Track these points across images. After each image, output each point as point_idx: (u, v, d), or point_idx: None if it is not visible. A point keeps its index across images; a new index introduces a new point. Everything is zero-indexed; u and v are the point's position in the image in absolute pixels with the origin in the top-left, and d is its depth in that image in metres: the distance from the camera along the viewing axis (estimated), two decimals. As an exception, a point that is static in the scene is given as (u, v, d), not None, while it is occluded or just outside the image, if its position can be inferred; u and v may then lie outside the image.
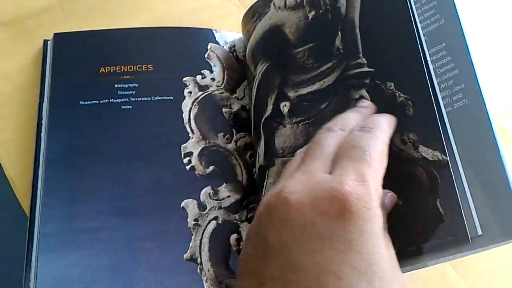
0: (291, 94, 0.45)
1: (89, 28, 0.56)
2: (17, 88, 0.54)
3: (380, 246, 0.30)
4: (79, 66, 0.52)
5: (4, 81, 0.54)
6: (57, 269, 0.43)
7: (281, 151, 0.45)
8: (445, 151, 0.35)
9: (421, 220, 0.35)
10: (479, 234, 0.33)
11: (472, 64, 0.35)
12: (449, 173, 0.35)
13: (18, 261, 0.44)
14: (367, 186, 0.32)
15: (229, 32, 0.55)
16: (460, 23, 0.37)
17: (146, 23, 0.58)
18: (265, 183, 0.45)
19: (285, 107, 0.45)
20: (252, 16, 0.51)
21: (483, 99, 0.35)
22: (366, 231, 0.30)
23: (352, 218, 0.30)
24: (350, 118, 0.38)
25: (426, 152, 0.36)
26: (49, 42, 0.54)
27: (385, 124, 0.36)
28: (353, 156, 0.33)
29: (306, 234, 0.30)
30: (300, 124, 0.44)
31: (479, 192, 0.34)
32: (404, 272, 0.35)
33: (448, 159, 0.35)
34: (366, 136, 0.35)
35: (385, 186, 0.35)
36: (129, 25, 0.57)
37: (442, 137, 0.36)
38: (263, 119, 0.47)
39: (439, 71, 0.37)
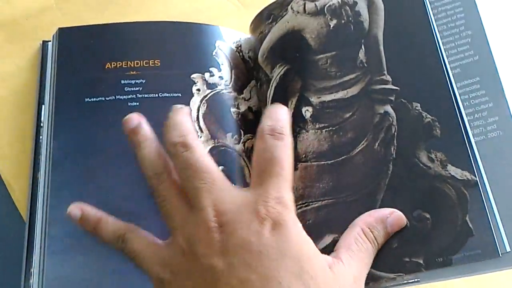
0: (314, 99, 0.45)
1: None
2: (12, 90, 0.53)
3: (305, 249, 0.36)
4: (84, 61, 0.51)
5: (0, 83, 0.53)
6: (65, 271, 0.43)
7: (304, 155, 0.45)
8: (474, 171, 0.37)
9: (451, 233, 0.37)
10: (507, 250, 0.36)
11: (506, 100, 0.38)
12: (479, 192, 0.37)
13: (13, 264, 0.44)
14: (285, 201, 0.36)
15: (234, 31, 0.54)
16: (493, 60, 0.40)
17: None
18: None
19: (307, 111, 0.45)
20: (267, 17, 0.51)
21: None
22: (292, 240, 0.35)
23: (279, 233, 0.35)
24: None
25: (454, 171, 0.38)
26: (49, 42, 0.53)
27: (289, 125, 0.39)
28: (270, 172, 0.37)
29: (246, 252, 0.34)
30: (323, 130, 0.44)
31: (507, 213, 0.37)
32: (431, 282, 0.39)
33: (477, 180, 0.37)
34: (279, 145, 0.38)
35: (413, 199, 0.38)
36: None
37: (471, 158, 0.38)
38: None
39: (473, 101, 0.39)
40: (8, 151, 0.50)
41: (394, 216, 0.39)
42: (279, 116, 0.39)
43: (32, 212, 0.46)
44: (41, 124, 0.48)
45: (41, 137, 0.48)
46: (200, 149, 0.38)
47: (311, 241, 0.37)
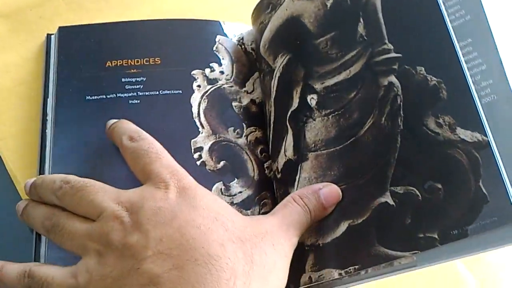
0: (318, 86, 0.45)
1: (92, 20, 0.55)
2: (17, 81, 0.53)
3: (218, 201, 0.40)
4: (84, 60, 0.51)
5: (4, 74, 0.53)
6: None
7: (313, 145, 0.44)
8: (485, 131, 0.35)
9: (464, 202, 0.35)
10: None
11: (500, 59, 0.35)
12: (491, 153, 0.34)
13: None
14: (179, 171, 0.40)
15: (236, 24, 0.54)
16: (486, 18, 0.37)
17: (150, 15, 0.57)
18: (297, 178, 0.44)
19: (312, 99, 0.45)
20: (266, 7, 0.51)
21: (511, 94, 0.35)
22: (202, 196, 0.39)
23: (186, 193, 0.38)
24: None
25: (464, 134, 0.36)
26: (52, 36, 0.53)
27: (134, 126, 0.45)
28: (150, 160, 0.41)
29: (158, 215, 0.36)
30: (330, 116, 0.44)
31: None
32: (447, 261, 0.37)
33: (489, 140, 0.35)
34: (143, 143, 0.42)
35: (422, 171, 0.37)
36: (133, 16, 0.56)
37: (480, 118, 0.35)
38: (289, 113, 0.46)
39: (467, 65, 0.37)
40: (14, 142, 0.50)
41: (327, 188, 0.41)
42: (129, 127, 0.44)
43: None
44: (47, 118, 0.48)
45: (47, 130, 0.48)
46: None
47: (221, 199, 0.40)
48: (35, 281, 0.38)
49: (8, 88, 0.52)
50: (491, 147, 0.34)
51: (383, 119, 0.40)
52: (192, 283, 0.33)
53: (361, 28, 0.43)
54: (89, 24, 0.53)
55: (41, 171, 0.47)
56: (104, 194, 0.39)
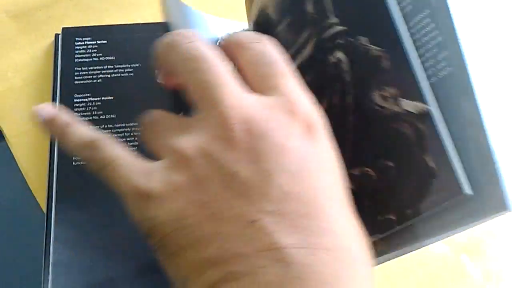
0: None
1: (99, 19, 0.56)
2: (28, 80, 0.54)
3: (338, 161, 0.30)
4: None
5: (15, 74, 0.54)
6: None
7: None
8: (425, 100, 0.33)
9: (414, 179, 0.33)
10: (469, 193, 0.31)
11: (455, 30, 0.33)
12: (433, 123, 0.33)
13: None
14: (310, 102, 0.30)
15: (236, 22, 0.55)
16: None
17: (159, 14, 0.57)
18: None
19: None
20: (249, 2, 0.50)
21: (466, 66, 0.33)
22: (329, 147, 0.30)
23: (316, 138, 0.29)
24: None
25: (407, 104, 0.34)
26: (60, 36, 0.54)
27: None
28: (276, 73, 0.30)
29: (286, 160, 0.27)
30: None
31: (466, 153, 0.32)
32: (411, 251, 0.35)
33: (430, 108, 0.33)
34: (269, 48, 0.32)
35: (374, 149, 0.34)
36: (141, 16, 0.57)
37: (420, 86, 0.33)
38: None
39: (424, 39, 0.35)
40: (25, 141, 0.51)
41: None
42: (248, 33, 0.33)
43: (49, 201, 0.46)
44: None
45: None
46: (207, 43, 0.31)
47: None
48: (99, 158, 0.30)
49: (19, 87, 0.53)
50: (432, 116, 0.32)
51: (335, 99, 0.38)
52: (325, 279, 0.25)
53: (310, 7, 0.41)
54: (93, 26, 0.54)
55: (51, 169, 0.47)
56: (224, 81, 0.29)
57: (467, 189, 0.31)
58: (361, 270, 0.27)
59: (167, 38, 0.31)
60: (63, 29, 0.53)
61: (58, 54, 0.53)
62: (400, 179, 0.34)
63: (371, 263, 0.29)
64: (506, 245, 0.52)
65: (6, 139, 0.51)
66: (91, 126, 0.32)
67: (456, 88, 0.33)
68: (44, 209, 0.47)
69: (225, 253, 0.25)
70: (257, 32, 0.34)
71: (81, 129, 0.31)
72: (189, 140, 0.27)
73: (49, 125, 0.33)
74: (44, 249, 0.44)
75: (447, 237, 0.33)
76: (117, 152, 0.29)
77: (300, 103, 0.29)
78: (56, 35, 0.54)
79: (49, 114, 0.33)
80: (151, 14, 0.58)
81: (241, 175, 0.26)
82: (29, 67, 0.54)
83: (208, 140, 0.27)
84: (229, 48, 0.32)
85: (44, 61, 0.54)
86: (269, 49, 0.31)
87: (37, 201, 0.48)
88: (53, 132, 0.33)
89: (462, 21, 0.34)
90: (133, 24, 0.54)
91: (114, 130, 0.49)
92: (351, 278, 0.26)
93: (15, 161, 0.50)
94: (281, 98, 0.29)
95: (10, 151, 0.51)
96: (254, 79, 0.31)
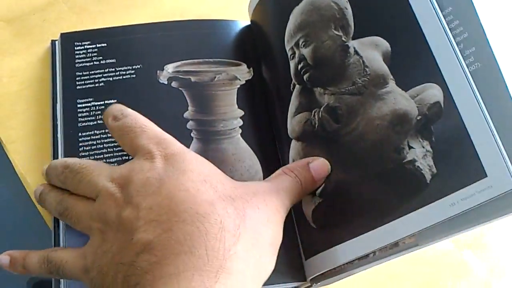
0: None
1: (94, 22, 0.56)
2: (24, 85, 0.53)
3: (206, 164, 0.40)
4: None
5: (11, 79, 0.54)
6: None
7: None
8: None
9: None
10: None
11: (481, 26, 0.34)
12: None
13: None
14: (164, 139, 0.41)
15: (236, 22, 0.55)
16: None
17: (153, 15, 0.57)
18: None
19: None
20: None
21: (495, 60, 0.34)
22: (190, 159, 0.39)
23: (174, 159, 0.39)
24: None
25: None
26: (57, 41, 0.53)
27: (123, 106, 0.44)
28: (136, 135, 0.41)
29: (147, 186, 0.37)
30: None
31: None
32: (447, 237, 0.36)
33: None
34: (127, 120, 0.42)
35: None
36: (135, 18, 0.57)
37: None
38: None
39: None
40: (23, 145, 0.50)
41: (316, 161, 0.42)
42: (112, 108, 0.43)
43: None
44: (56, 122, 0.49)
45: (57, 134, 0.48)
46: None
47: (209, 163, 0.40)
48: (53, 265, 0.40)
49: (15, 92, 0.53)
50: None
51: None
52: (181, 242, 0.34)
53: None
54: (92, 30, 0.54)
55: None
56: (100, 174, 0.40)
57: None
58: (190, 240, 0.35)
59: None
60: (62, 34, 0.52)
61: (56, 60, 0.52)
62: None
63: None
64: (509, 240, 0.53)
65: (3, 145, 0.50)
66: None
67: (486, 83, 0.34)
68: (44, 216, 0.47)
69: (124, 268, 0.35)
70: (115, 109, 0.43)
71: (32, 255, 0.42)
72: (95, 218, 0.39)
73: (11, 267, 0.43)
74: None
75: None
76: (64, 254, 0.41)
77: (153, 146, 0.40)
78: (53, 41, 0.54)
79: (7, 259, 0.43)
80: (145, 15, 0.58)
81: (122, 217, 0.37)
82: (25, 72, 0.54)
83: (104, 212, 0.38)
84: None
85: (40, 65, 0.54)
86: (125, 121, 0.42)
87: (37, 209, 0.48)
88: (17, 271, 0.43)
89: (487, 17, 0.34)
90: (131, 25, 0.53)
91: None
92: (203, 237, 0.34)
93: (13, 166, 0.50)
94: (140, 154, 0.40)
95: (7, 157, 0.50)
96: (126, 150, 0.42)
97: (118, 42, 0.52)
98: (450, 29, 0.36)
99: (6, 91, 0.53)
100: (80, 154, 0.47)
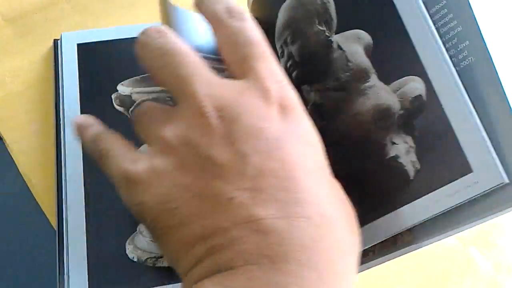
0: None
1: (97, 21, 0.56)
2: (27, 85, 0.53)
3: (316, 134, 0.31)
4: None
5: (14, 79, 0.53)
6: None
7: None
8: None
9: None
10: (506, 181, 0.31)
11: (475, 19, 0.33)
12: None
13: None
14: (286, 83, 0.31)
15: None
16: None
17: (157, 14, 0.57)
18: None
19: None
20: None
21: (489, 54, 0.33)
22: (305, 123, 0.31)
23: (292, 117, 0.30)
24: None
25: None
26: (59, 41, 0.53)
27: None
28: (254, 54, 0.31)
29: (259, 140, 0.28)
30: None
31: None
32: (446, 235, 0.35)
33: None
34: (248, 27, 0.32)
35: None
36: (138, 17, 0.57)
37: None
38: None
39: (442, 30, 0.35)
40: (27, 145, 0.50)
41: None
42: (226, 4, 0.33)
43: (59, 204, 0.46)
44: (60, 122, 0.49)
45: (61, 134, 0.48)
46: (176, 36, 0.32)
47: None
48: (99, 149, 0.33)
49: (18, 92, 0.52)
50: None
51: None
52: (305, 244, 0.26)
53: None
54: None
55: (58, 174, 0.47)
56: (197, 74, 0.30)
57: (504, 177, 0.31)
58: (343, 237, 0.28)
59: (139, 37, 0.33)
60: (63, 34, 0.52)
61: (58, 59, 0.52)
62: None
63: (357, 232, 0.30)
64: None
65: (6, 145, 0.50)
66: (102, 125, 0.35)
67: (479, 77, 0.33)
68: (49, 216, 0.47)
69: (207, 229, 0.27)
70: (235, 4, 0.34)
71: (92, 128, 0.35)
72: (171, 129, 0.30)
73: (77, 129, 0.36)
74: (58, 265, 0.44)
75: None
76: (111, 144, 0.33)
77: (273, 85, 0.30)
78: (55, 41, 0.53)
79: (76, 121, 0.36)
80: (148, 14, 0.57)
81: (217, 158, 0.28)
82: (28, 71, 0.54)
83: (187, 128, 0.29)
84: (207, 17, 0.34)
85: (43, 65, 0.54)
86: (246, 28, 0.32)
87: (41, 208, 0.48)
88: (76, 135, 0.36)
89: (481, 10, 0.33)
90: (134, 25, 0.53)
91: None
92: (332, 243, 0.27)
93: (17, 166, 0.50)
94: (255, 81, 0.30)
95: (11, 157, 0.50)
96: (230, 61, 0.32)
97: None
98: (444, 23, 0.35)
99: (9, 91, 0.52)
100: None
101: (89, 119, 0.36)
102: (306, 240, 0.26)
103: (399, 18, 0.36)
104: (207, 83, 0.30)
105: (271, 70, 0.31)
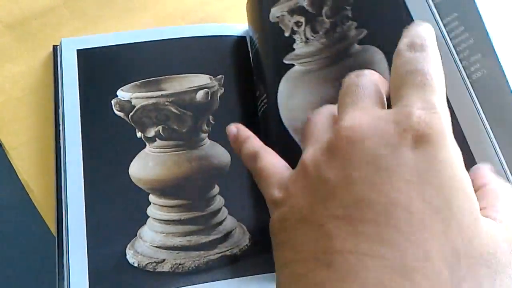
0: None
1: (96, 26, 0.56)
2: (26, 91, 0.53)
3: (457, 179, 0.27)
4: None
5: (13, 84, 0.53)
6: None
7: None
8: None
9: None
10: None
11: (487, 32, 0.34)
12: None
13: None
14: (437, 113, 0.28)
15: (237, 25, 0.55)
16: None
17: (155, 19, 0.57)
18: None
19: None
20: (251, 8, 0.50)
21: (501, 66, 0.33)
22: (440, 160, 0.27)
23: (422, 148, 0.27)
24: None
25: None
26: (58, 47, 0.53)
27: (432, 35, 0.32)
28: (412, 82, 0.29)
29: (372, 168, 0.27)
30: None
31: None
32: None
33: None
34: (420, 57, 0.30)
35: None
36: (135, 22, 0.57)
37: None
38: None
39: (453, 41, 0.35)
40: (26, 151, 0.50)
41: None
42: (418, 31, 0.32)
43: (59, 212, 0.46)
44: (59, 128, 0.49)
45: (60, 140, 0.48)
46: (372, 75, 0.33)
47: (467, 175, 0.27)
48: (256, 170, 0.36)
49: (17, 98, 0.52)
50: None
51: None
52: (367, 285, 0.25)
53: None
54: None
55: (58, 180, 0.47)
56: (356, 103, 0.31)
57: None
58: (413, 285, 0.25)
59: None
60: (63, 40, 0.52)
61: (58, 65, 0.52)
62: None
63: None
64: None
65: (5, 151, 0.50)
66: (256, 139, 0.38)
67: (491, 89, 0.33)
68: (48, 223, 0.47)
69: (295, 255, 0.29)
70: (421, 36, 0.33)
71: (251, 142, 0.38)
72: (310, 152, 0.31)
73: (233, 140, 0.40)
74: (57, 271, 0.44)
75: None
76: (265, 164, 0.35)
77: (416, 112, 0.28)
78: (54, 46, 0.53)
79: (234, 130, 0.40)
80: (146, 20, 0.57)
81: (330, 181, 0.28)
82: (27, 77, 0.54)
83: (321, 152, 0.30)
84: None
85: (42, 71, 0.54)
86: (418, 57, 0.31)
87: (40, 215, 0.47)
88: (235, 146, 0.40)
89: (493, 24, 0.34)
90: (133, 31, 0.54)
91: None
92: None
93: (16, 173, 0.49)
94: (400, 108, 0.29)
95: (10, 163, 0.50)
96: (390, 89, 0.31)
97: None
98: (455, 35, 0.35)
99: (9, 97, 0.52)
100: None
101: (245, 132, 0.39)
102: (369, 282, 0.25)
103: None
104: (360, 112, 0.30)
105: (424, 98, 0.29)
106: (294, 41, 0.44)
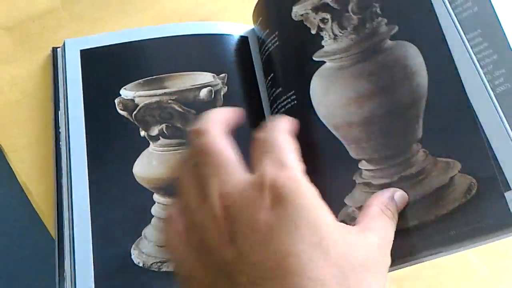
0: None
1: (94, 28, 0.56)
2: (25, 93, 0.53)
3: (323, 216, 0.32)
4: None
5: (12, 87, 0.53)
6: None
7: None
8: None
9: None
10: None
11: (510, 47, 0.36)
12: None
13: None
14: (288, 167, 0.33)
15: (237, 25, 0.55)
16: (493, 8, 0.37)
17: (153, 20, 0.58)
18: None
19: None
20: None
21: None
22: (304, 208, 0.31)
23: (288, 203, 0.31)
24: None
25: None
26: (58, 49, 0.53)
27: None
28: (266, 150, 0.34)
29: (255, 232, 0.31)
30: None
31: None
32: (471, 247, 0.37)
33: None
34: (271, 129, 0.36)
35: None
36: (133, 23, 0.57)
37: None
38: None
39: (478, 56, 0.37)
40: (26, 154, 0.50)
41: (398, 194, 0.38)
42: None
43: (60, 214, 0.46)
44: (59, 130, 0.49)
45: (60, 142, 0.48)
46: (215, 133, 0.35)
47: (326, 207, 0.33)
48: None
49: (17, 101, 0.52)
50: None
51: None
52: None
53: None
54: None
55: (58, 183, 0.47)
56: (217, 173, 0.34)
57: None
58: None
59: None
60: (66, 41, 0.52)
61: (57, 67, 0.52)
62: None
63: None
64: (513, 243, 0.53)
65: (4, 153, 0.50)
66: None
67: None
68: (47, 225, 0.47)
69: None
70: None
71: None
72: (196, 227, 0.34)
73: None
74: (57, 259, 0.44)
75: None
76: (169, 236, 0.36)
77: (271, 174, 0.32)
78: (54, 48, 0.53)
79: None
80: (144, 21, 0.58)
81: (223, 257, 0.31)
82: (26, 80, 0.53)
83: (204, 228, 0.33)
84: None
85: (41, 73, 0.54)
86: (270, 133, 0.36)
87: (40, 218, 0.47)
88: None
89: None
90: (134, 29, 0.54)
91: None
92: None
93: (15, 175, 0.49)
94: (258, 174, 0.33)
95: (10, 165, 0.49)
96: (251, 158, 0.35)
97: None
98: (478, 51, 0.37)
99: (8, 100, 0.52)
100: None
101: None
102: None
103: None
104: (222, 182, 0.33)
105: (277, 159, 0.34)
106: (322, 38, 0.44)
